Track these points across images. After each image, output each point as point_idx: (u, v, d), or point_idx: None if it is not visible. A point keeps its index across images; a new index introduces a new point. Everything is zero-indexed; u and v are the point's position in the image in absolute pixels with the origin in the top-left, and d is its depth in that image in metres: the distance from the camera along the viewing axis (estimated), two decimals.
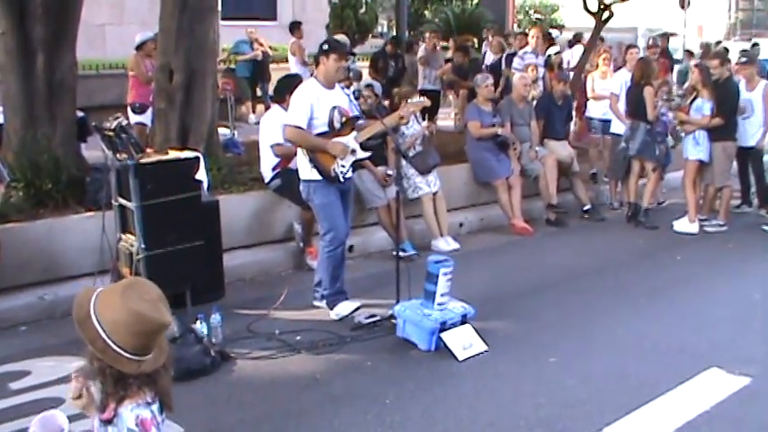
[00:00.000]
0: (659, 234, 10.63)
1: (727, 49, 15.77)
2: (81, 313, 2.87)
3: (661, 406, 5.74)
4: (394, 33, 22.15)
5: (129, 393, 2.88)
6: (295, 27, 17.79)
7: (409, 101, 7.93)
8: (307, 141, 7.17)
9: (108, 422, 2.88)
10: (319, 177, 7.20)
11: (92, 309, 2.85)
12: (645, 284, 8.50)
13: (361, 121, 7.54)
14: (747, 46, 23.01)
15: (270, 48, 18.48)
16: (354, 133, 7.31)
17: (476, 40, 20.73)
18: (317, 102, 7.14)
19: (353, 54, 8.25)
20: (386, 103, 11.56)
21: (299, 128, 7.12)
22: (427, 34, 17.75)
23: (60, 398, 5.64)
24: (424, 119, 10.60)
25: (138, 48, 11.91)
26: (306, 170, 7.27)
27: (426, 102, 8.33)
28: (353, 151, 7.27)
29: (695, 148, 10.80)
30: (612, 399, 5.81)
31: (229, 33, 18.18)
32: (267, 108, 14.39)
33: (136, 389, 2.89)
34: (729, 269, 9.19)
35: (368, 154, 7.59)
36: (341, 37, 15.57)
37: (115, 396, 2.88)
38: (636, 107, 10.96)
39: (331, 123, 7.21)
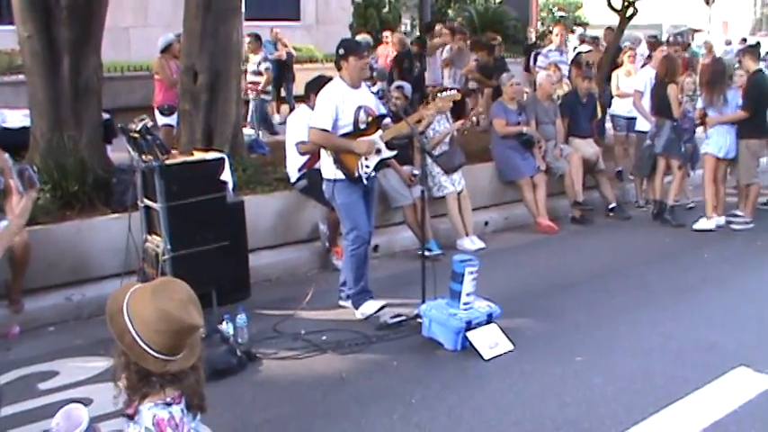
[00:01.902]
0: (685, 232, 10.57)
1: (758, 43, 15.62)
2: (114, 307, 2.87)
3: (688, 405, 5.70)
4: (417, 32, 22.16)
5: (152, 391, 2.87)
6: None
7: (438, 95, 7.92)
8: (332, 143, 7.17)
9: (131, 418, 2.89)
10: (342, 177, 7.21)
11: (125, 304, 2.86)
12: (671, 283, 8.46)
13: (387, 120, 7.53)
14: None
15: (294, 48, 18.50)
16: (380, 132, 7.31)
17: (500, 39, 20.64)
18: (342, 102, 7.14)
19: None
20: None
21: (324, 130, 7.14)
22: (458, 35, 17.61)
23: (89, 398, 5.69)
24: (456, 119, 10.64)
25: (164, 50, 11.98)
26: (329, 169, 7.28)
27: (456, 95, 8.29)
28: (379, 150, 7.27)
29: (705, 141, 10.75)
30: (639, 398, 5.78)
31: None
32: (291, 109, 14.46)
33: (158, 388, 2.88)
34: (757, 267, 9.14)
35: (393, 153, 7.57)
36: (361, 37, 15.57)
37: (138, 392, 2.89)
38: (661, 105, 10.91)
39: (356, 123, 7.21)
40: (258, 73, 15.31)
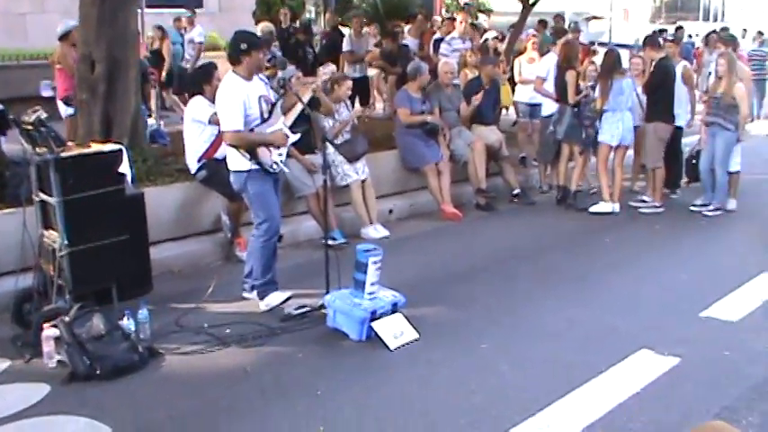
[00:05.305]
0: (588, 217, 10.73)
1: (664, 30, 15.89)
2: None
3: (593, 389, 5.76)
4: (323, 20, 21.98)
5: None
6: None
7: (319, 69, 7.95)
8: (250, 142, 7.05)
9: None
10: (254, 167, 7.09)
11: None
12: (574, 268, 8.56)
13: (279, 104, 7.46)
14: (672, 29, 23.32)
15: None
16: (282, 118, 7.26)
17: (405, 26, 20.64)
18: (246, 98, 7.02)
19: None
20: None
21: (238, 131, 7.02)
22: (354, 20, 17.49)
23: None
24: (353, 105, 10.60)
25: (63, 38, 11.60)
26: (239, 161, 7.14)
27: (332, 67, 8.37)
28: (287, 136, 7.21)
29: (599, 130, 10.91)
30: (545, 383, 5.82)
31: (154, 21, 17.91)
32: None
33: None
34: (657, 250, 9.29)
35: (298, 136, 7.50)
36: (263, 25, 15.38)
37: None
38: (562, 91, 11.04)
39: (262, 114, 7.12)
40: None
